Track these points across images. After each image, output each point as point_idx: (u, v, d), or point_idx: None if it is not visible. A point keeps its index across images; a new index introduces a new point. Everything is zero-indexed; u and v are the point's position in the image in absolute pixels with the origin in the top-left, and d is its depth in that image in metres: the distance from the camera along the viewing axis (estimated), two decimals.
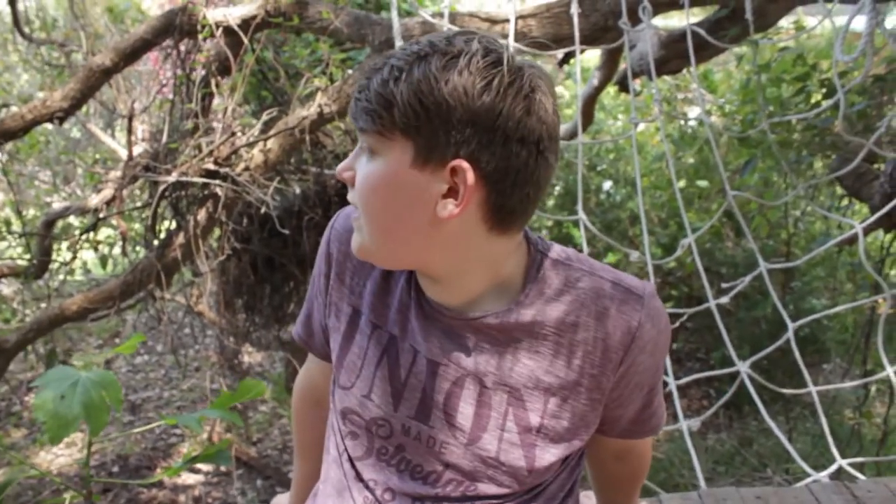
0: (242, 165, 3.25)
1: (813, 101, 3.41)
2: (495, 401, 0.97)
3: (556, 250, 1.00)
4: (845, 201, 4.17)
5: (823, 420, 2.52)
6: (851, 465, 2.37)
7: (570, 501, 1.07)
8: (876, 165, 3.34)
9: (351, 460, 1.04)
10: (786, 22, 4.16)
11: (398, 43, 2.80)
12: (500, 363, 0.97)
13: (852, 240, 2.71)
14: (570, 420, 0.98)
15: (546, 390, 0.97)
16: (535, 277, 0.97)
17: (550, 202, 5.89)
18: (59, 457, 5.07)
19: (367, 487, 1.02)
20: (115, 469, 4.95)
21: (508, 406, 0.97)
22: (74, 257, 4.35)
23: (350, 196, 0.94)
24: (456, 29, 0.93)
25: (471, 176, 0.86)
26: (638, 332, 0.96)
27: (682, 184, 5.29)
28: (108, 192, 3.74)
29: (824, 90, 3.37)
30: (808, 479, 2.19)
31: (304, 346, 1.19)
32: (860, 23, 2.44)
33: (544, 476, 1.00)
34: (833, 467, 2.36)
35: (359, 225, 0.94)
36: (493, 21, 3.14)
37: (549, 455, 0.97)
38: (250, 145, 3.30)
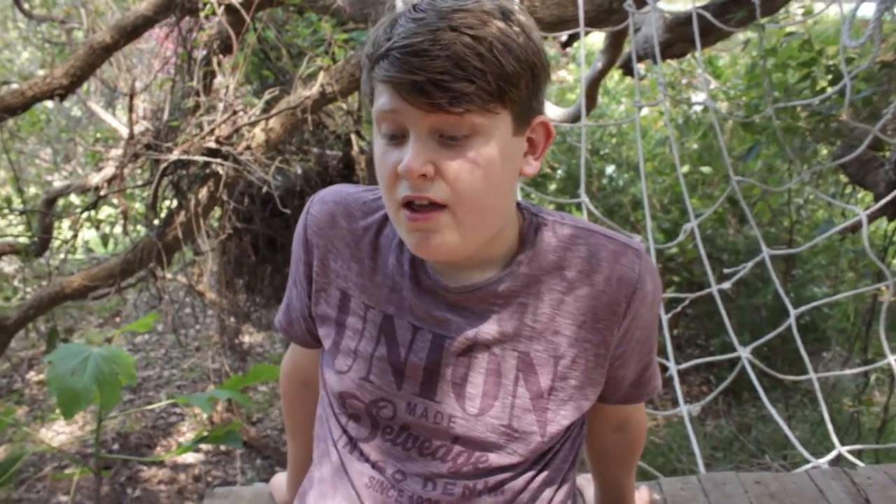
0: (244, 144, 3.23)
1: (819, 87, 3.39)
2: (505, 367, 0.97)
3: (548, 211, 1.01)
4: (849, 189, 4.15)
5: (824, 407, 2.51)
6: (850, 452, 2.37)
7: (570, 474, 1.08)
8: (881, 153, 3.32)
9: (352, 442, 1.03)
10: (793, 6, 4.13)
11: None
12: (508, 328, 0.96)
13: (856, 227, 2.71)
14: (578, 379, 0.98)
15: (555, 350, 0.97)
16: (533, 238, 0.98)
17: (552, 186, 5.88)
18: (60, 434, 5.08)
19: (374, 467, 1.01)
20: (115, 447, 4.96)
21: (519, 371, 0.97)
22: (75, 235, 4.34)
23: (434, 191, 0.85)
24: None
25: (552, 128, 0.92)
26: (639, 284, 0.97)
27: (685, 169, 5.27)
28: (109, 170, 3.73)
29: (830, 76, 3.34)
30: (808, 466, 2.19)
31: (286, 335, 1.18)
32: (868, 9, 2.42)
33: (553, 441, 1.00)
34: (832, 454, 2.36)
35: (443, 224, 0.87)
36: None
37: (560, 418, 0.98)
38: (252, 124, 3.28)
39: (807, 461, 2.30)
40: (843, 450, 2.37)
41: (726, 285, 2.83)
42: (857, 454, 2.43)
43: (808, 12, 3.77)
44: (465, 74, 0.80)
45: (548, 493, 1.03)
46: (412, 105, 0.82)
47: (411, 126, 0.85)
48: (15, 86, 4.25)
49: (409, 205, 0.87)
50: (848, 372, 3.33)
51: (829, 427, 2.47)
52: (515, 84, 0.83)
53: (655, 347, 1.08)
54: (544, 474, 1.02)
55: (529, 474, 1.00)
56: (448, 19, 0.81)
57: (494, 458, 0.98)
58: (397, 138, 0.86)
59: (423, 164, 0.84)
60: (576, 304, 0.96)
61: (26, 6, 5.11)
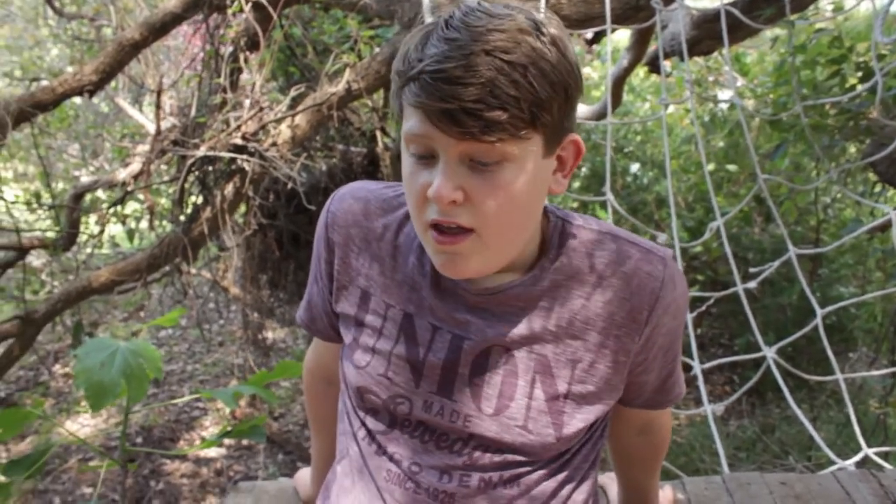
0: (270, 141, 3.25)
1: (848, 84, 3.34)
2: (521, 369, 0.97)
3: (573, 215, 1.00)
4: (878, 187, 4.10)
5: (850, 408, 2.48)
6: (878, 454, 2.34)
7: (592, 473, 1.07)
8: None
9: (371, 435, 1.04)
10: (823, 2, 4.08)
11: (428, 19, 2.77)
12: (526, 331, 0.96)
13: (885, 226, 2.67)
14: (596, 385, 0.98)
15: (573, 354, 0.97)
16: (557, 243, 0.97)
17: (576, 184, 5.85)
18: (85, 426, 5.15)
19: (391, 460, 1.02)
20: (139, 440, 5.02)
21: (536, 374, 0.97)
22: (102, 230, 4.39)
23: (463, 217, 0.85)
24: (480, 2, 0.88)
25: (582, 146, 0.91)
26: (661, 293, 0.96)
27: (711, 167, 5.23)
28: (135, 166, 3.77)
29: (860, 73, 3.30)
30: (834, 467, 2.17)
31: (308, 331, 1.19)
32: None
33: (571, 443, 1.00)
34: (859, 456, 2.33)
35: (470, 247, 0.87)
36: None
37: (576, 421, 0.98)
38: (278, 121, 3.30)
39: (832, 463, 2.27)
40: (870, 452, 2.34)
41: (752, 284, 2.80)
42: (885, 456, 2.39)
43: (839, 8, 3.73)
44: (498, 103, 0.78)
45: (567, 490, 1.03)
46: (443, 132, 0.81)
47: (441, 152, 0.84)
48: (45, 82, 4.30)
49: (436, 226, 0.87)
50: (875, 373, 3.28)
51: (856, 428, 2.44)
52: (548, 109, 0.82)
53: (679, 355, 1.07)
54: (564, 473, 1.02)
55: (546, 471, 1.00)
56: (481, 41, 0.79)
57: (510, 456, 0.98)
58: (426, 159, 0.86)
59: (452, 191, 0.83)
60: (596, 309, 0.96)
61: (57, 4, 5.18)
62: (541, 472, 1.00)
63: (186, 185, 3.57)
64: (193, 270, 4.07)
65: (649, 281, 0.96)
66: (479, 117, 0.79)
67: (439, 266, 0.91)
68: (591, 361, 0.97)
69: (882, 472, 1.79)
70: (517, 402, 0.97)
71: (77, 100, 4.00)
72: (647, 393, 1.06)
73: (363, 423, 1.05)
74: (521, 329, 0.96)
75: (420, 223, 0.90)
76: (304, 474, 1.46)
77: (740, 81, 5.13)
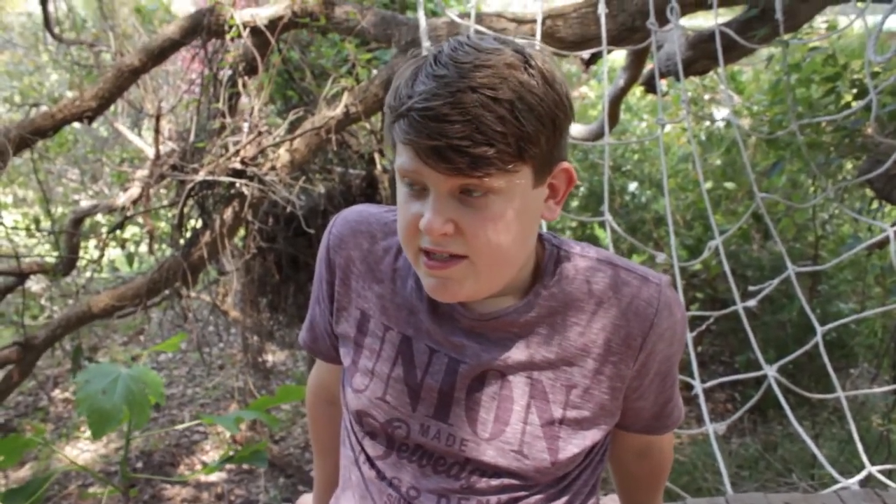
0: (269, 165, 3.26)
1: (843, 102, 3.36)
2: (517, 394, 0.97)
3: (570, 243, 1.01)
4: (875, 204, 4.11)
5: (852, 425, 2.48)
6: (881, 472, 2.33)
7: (592, 498, 1.07)
8: None
9: (370, 460, 1.04)
10: (817, 21, 4.11)
11: (425, 43, 2.80)
12: (521, 357, 0.97)
13: (882, 243, 2.68)
14: (591, 410, 0.98)
15: (568, 380, 0.97)
16: (552, 270, 0.98)
17: (574, 203, 5.87)
18: (85, 452, 5.12)
19: (390, 485, 1.02)
20: (139, 465, 4.99)
21: (531, 399, 0.97)
22: (102, 255, 4.39)
23: (454, 247, 0.87)
24: (476, 30, 0.90)
25: (574, 174, 0.91)
26: (656, 320, 0.96)
27: (708, 185, 5.25)
28: (135, 190, 3.78)
29: (855, 91, 3.32)
30: (837, 486, 2.16)
31: (310, 352, 1.19)
32: (894, 22, 2.41)
33: (568, 468, 1.00)
34: (862, 474, 2.32)
35: (461, 273, 0.89)
36: (519, 21, 3.13)
37: (571, 446, 0.98)
38: (277, 145, 3.31)
39: (835, 481, 2.26)
40: (874, 470, 2.33)
41: (751, 302, 2.80)
42: (888, 474, 2.38)
43: (833, 27, 3.76)
44: (484, 139, 0.80)
45: None
46: (432, 168, 0.83)
47: (432, 186, 0.85)
48: (45, 108, 4.32)
49: (427, 252, 0.89)
50: (877, 390, 3.28)
51: (859, 446, 2.43)
52: (536, 142, 0.83)
53: (677, 381, 1.07)
54: (564, 498, 1.02)
55: (545, 495, 1.00)
56: (468, 78, 0.80)
57: (507, 481, 0.98)
58: (419, 190, 0.88)
59: (443, 224, 0.85)
60: (593, 336, 0.97)
61: (56, 29, 5.21)
62: (539, 497, 1.00)
63: (186, 210, 3.58)
64: (193, 294, 4.07)
65: (644, 308, 0.96)
66: (466, 154, 0.80)
67: (429, 289, 0.92)
68: (586, 387, 0.97)
69: (886, 492, 1.78)
70: (512, 427, 0.97)
71: (76, 125, 4.02)
72: (644, 418, 1.06)
73: (363, 449, 1.05)
74: (515, 354, 0.97)
75: (411, 249, 0.91)
76: (307, 500, 1.46)
77: (736, 100, 5.16)
